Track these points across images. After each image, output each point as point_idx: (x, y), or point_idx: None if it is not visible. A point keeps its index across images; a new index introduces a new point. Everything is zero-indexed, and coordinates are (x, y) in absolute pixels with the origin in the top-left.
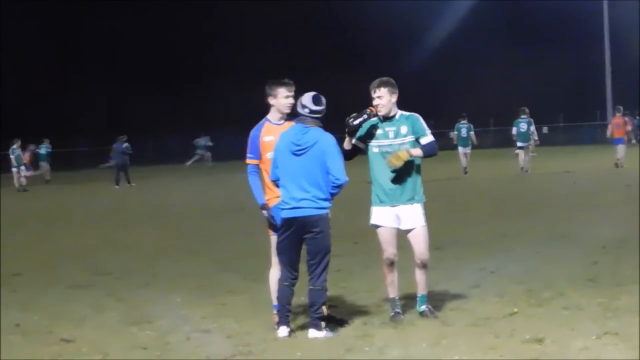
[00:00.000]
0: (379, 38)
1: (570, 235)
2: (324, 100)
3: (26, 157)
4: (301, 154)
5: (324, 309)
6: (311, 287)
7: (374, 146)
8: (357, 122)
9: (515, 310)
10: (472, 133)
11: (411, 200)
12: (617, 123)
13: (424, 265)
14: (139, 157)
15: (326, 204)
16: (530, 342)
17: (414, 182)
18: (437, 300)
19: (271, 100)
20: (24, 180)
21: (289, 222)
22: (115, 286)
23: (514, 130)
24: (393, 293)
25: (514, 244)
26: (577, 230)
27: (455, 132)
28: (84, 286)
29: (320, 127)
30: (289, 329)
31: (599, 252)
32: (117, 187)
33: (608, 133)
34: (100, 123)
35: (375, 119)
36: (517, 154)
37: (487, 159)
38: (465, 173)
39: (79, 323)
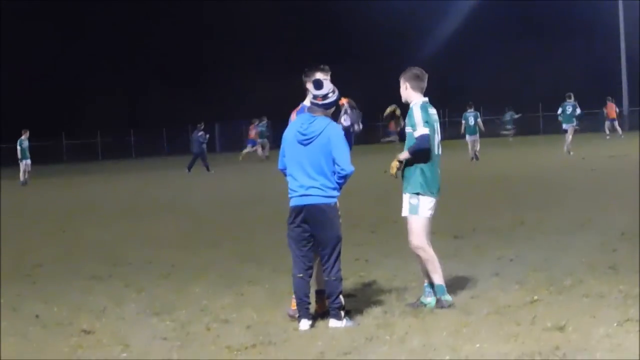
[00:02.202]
0: (390, 27)
1: (588, 223)
2: (326, 85)
3: (252, 133)
4: (308, 144)
5: (342, 298)
6: (326, 278)
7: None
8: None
9: (536, 298)
10: (479, 120)
11: (404, 189)
12: None
13: (415, 254)
14: (155, 149)
15: (334, 192)
16: (552, 329)
17: (409, 172)
18: (457, 289)
19: (309, 85)
20: (27, 176)
21: (297, 210)
22: (135, 277)
23: (560, 111)
24: (425, 280)
25: (533, 232)
26: (596, 218)
27: (463, 121)
28: (104, 278)
29: (328, 116)
30: (310, 322)
31: (618, 240)
32: (188, 172)
33: None
34: (114, 118)
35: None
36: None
37: (504, 147)
38: (475, 159)
39: (99, 314)
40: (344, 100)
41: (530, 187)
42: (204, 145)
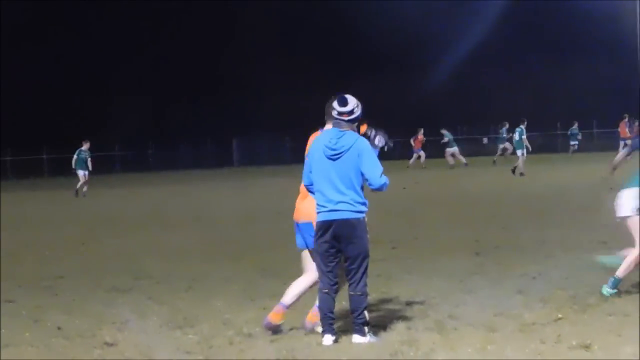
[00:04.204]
0: (406, 44)
1: (610, 242)
2: (350, 101)
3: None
4: (337, 158)
5: (366, 314)
6: (351, 292)
7: None
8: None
9: (560, 316)
10: (524, 137)
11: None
12: None
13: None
14: (175, 162)
15: (363, 207)
16: (577, 348)
17: None
18: (481, 305)
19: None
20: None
21: (326, 225)
22: (156, 290)
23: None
24: None
25: (554, 250)
26: (617, 237)
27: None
28: (125, 290)
29: (355, 131)
30: (334, 337)
31: None
32: None
33: None
34: (134, 129)
35: None
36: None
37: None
38: (514, 173)
39: (122, 327)
40: (364, 127)
41: (549, 206)
42: None
